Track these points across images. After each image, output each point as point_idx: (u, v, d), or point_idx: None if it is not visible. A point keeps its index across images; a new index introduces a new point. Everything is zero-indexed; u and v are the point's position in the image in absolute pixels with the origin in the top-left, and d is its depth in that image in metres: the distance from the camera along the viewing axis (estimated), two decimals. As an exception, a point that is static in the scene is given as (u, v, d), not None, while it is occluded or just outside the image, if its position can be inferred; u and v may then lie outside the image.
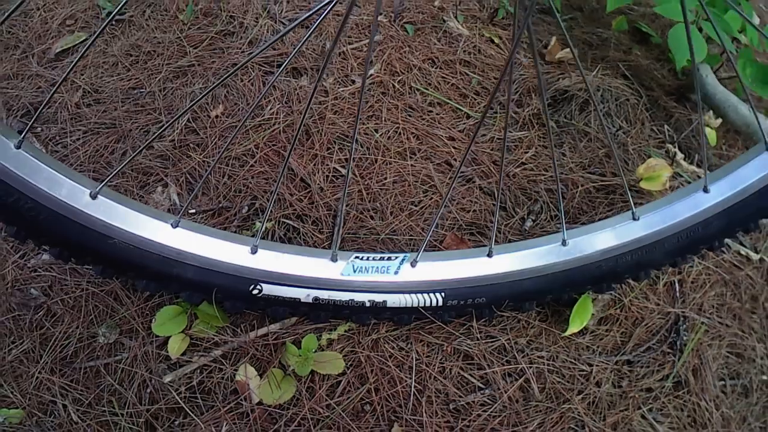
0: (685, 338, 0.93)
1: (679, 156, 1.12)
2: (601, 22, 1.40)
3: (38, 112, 0.61)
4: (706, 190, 0.78)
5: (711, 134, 1.20)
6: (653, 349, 0.90)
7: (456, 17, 1.24)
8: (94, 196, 0.64)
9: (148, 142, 0.72)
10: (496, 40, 1.23)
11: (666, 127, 1.17)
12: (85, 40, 1.23)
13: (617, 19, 1.38)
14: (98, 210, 0.64)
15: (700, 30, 1.11)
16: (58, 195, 0.63)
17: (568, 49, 1.25)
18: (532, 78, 1.14)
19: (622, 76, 1.21)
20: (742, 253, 1.08)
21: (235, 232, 0.88)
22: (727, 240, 0.90)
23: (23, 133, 0.60)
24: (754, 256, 1.08)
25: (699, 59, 1.11)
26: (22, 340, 0.80)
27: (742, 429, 0.90)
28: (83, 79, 1.11)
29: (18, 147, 0.60)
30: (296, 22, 0.54)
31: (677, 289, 0.97)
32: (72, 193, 0.63)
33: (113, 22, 1.26)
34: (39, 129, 1.04)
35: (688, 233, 0.79)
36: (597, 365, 0.84)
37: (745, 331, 0.99)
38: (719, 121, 1.18)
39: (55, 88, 0.61)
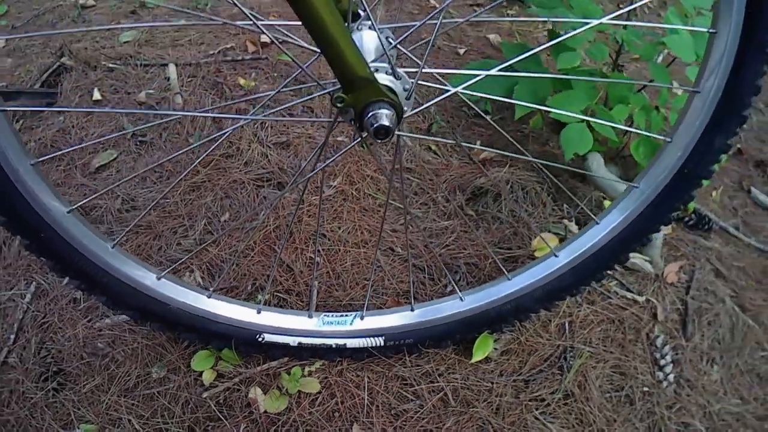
0: (571, 362, 1.38)
1: (573, 228, 1.64)
2: (526, 119, 1.87)
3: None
4: (556, 256, 1.18)
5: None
6: (545, 371, 1.34)
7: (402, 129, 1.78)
8: (159, 278, 1.12)
9: (212, 240, 1.23)
10: (434, 147, 1.78)
11: (565, 205, 1.70)
12: (116, 158, 1.75)
13: (534, 118, 1.91)
14: (161, 287, 1.10)
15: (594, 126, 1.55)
16: (135, 277, 1.06)
17: (490, 149, 1.80)
18: (459, 177, 1.68)
19: (531, 168, 1.75)
20: (629, 297, 1.52)
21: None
22: (585, 287, 1.36)
23: (116, 241, 1.10)
24: (640, 299, 1.51)
25: (585, 150, 1.56)
26: (94, 378, 1.25)
27: (626, 427, 1.25)
28: (121, 190, 1.60)
29: (112, 248, 1.10)
30: (326, 163, 1.06)
31: (567, 328, 1.41)
32: (144, 276, 1.06)
33: (138, 143, 1.80)
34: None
35: (549, 286, 1.19)
36: (498, 383, 1.30)
37: (628, 355, 1.38)
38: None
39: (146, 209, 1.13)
